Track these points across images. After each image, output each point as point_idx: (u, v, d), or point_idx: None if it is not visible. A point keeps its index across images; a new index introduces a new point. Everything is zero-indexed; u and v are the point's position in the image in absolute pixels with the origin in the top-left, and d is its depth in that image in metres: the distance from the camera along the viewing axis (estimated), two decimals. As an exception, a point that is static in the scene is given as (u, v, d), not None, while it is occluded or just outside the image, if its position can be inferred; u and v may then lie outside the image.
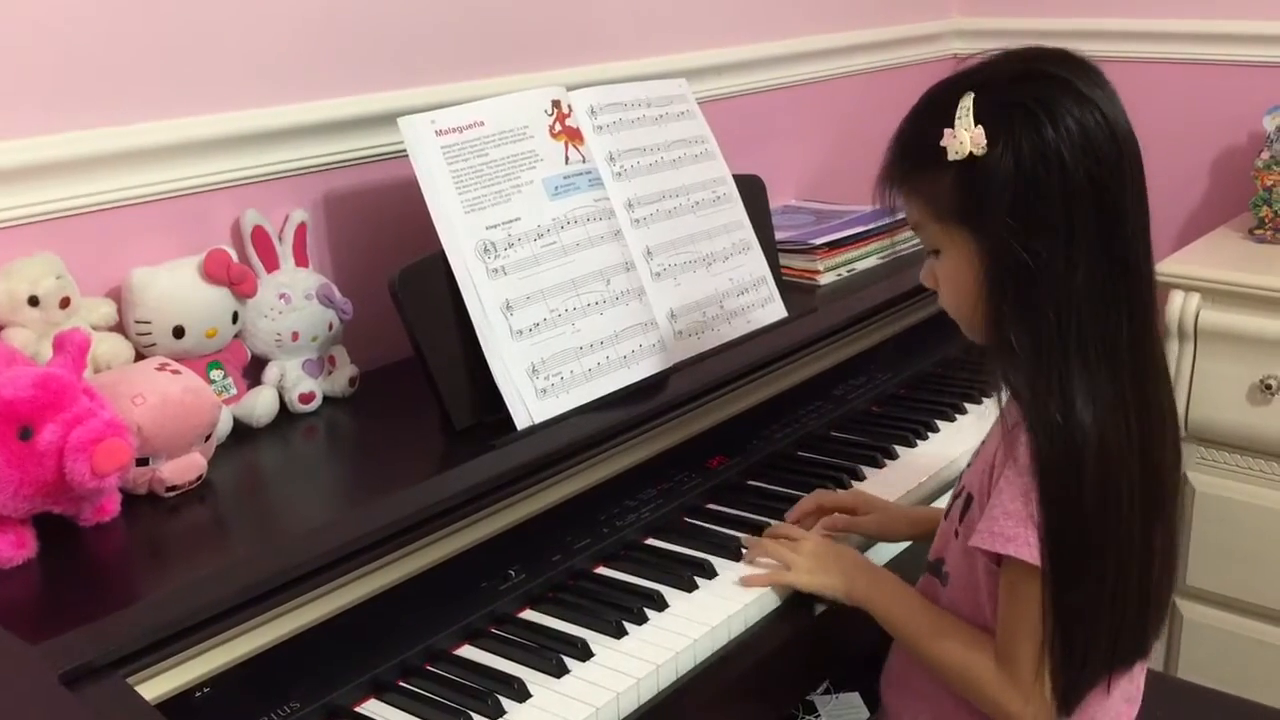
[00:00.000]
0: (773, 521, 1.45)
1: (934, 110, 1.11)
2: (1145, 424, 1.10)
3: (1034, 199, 1.06)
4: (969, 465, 1.27)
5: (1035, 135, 1.05)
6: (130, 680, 0.96)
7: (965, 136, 1.07)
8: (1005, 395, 1.12)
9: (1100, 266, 1.07)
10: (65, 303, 1.28)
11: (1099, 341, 1.08)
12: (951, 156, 1.08)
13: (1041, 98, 1.06)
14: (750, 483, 1.58)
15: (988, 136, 1.06)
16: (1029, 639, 1.12)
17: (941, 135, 1.08)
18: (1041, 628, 1.11)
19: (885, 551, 1.48)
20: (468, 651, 1.22)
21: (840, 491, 1.52)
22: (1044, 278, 1.07)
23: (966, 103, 1.07)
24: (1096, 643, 1.12)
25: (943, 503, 1.56)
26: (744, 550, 1.37)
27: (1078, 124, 1.05)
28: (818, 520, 1.44)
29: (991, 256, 1.09)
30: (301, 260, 1.50)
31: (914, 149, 1.14)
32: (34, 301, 1.25)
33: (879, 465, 1.63)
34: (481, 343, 1.37)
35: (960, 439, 1.69)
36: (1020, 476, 1.09)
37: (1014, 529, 1.09)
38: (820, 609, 1.33)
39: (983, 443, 1.25)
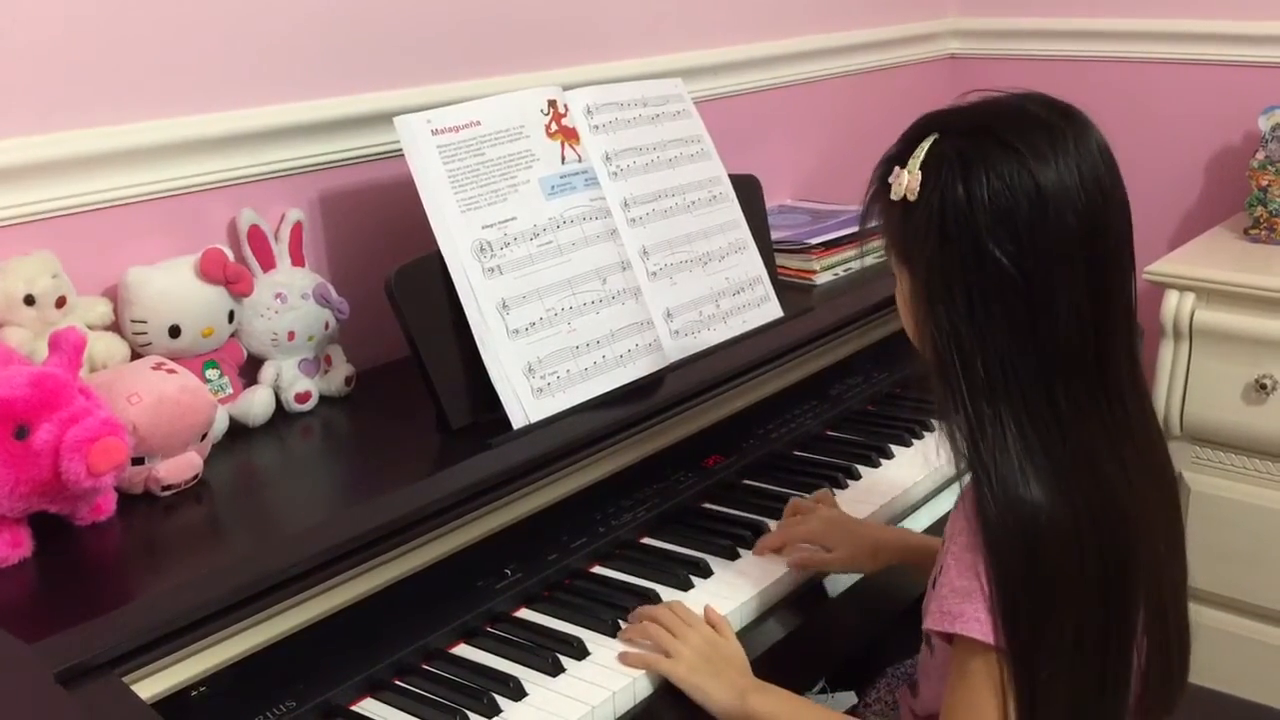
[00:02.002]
0: (769, 522, 1.45)
1: (906, 143, 1.07)
2: (1103, 494, 1.01)
3: (946, 257, 1.01)
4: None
5: (950, 194, 1.00)
6: (126, 679, 0.96)
7: (905, 179, 1.03)
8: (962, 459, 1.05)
9: (1026, 340, 1.00)
10: (61, 302, 1.28)
11: (1036, 413, 1.00)
12: (893, 196, 1.05)
13: (975, 157, 1.00)
14: (746, 482, 1.58)
15: (922, 184, 1.02)
16: None
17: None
18: (996, 713, 1.01)
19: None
20: (464, 650, 1.23)
21: (810, 518, 1.42)
22: (964, 335, 1.01)
23: (926, 144, 1.03)
24: None
25: (928, 512, 1.58)
26: (623, 624, 1.26)
27: (1007, 188, 0.99)
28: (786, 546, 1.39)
29: (925, 299, 1.04)
30: (298, 260, 1.50)
31: (882, 177, 1.09)
32: (30, 300, 1.25)
33: (875, 464, 1.63)
34: (478, 342, 1.37)
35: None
36: (968, 552, 1.02)
37: (959, 605, 1.02)
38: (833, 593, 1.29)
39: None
